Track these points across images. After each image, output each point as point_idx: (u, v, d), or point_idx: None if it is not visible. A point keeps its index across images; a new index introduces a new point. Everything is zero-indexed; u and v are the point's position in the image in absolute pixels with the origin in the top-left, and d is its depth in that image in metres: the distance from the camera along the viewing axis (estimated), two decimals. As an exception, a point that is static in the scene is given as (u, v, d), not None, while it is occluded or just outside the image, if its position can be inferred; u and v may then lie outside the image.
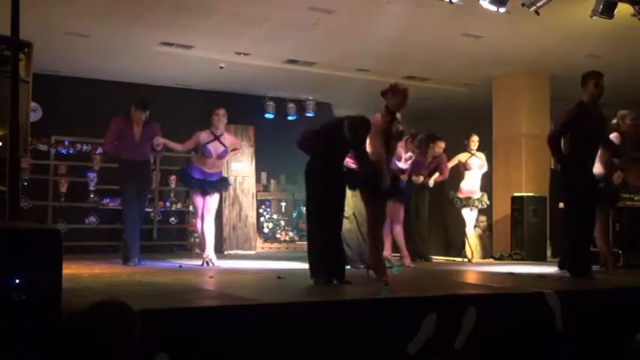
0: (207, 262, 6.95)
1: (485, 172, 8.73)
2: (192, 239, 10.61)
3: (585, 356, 4.18)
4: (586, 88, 5.71)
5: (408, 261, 7.33)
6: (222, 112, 7.17)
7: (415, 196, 8.13)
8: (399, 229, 7.32)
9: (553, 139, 5.75)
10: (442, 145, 8.50)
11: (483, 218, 9.50)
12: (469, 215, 8.48)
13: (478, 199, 8.48)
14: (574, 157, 5.67)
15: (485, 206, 8.67)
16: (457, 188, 8.55)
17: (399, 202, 7.19)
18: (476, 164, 8.52)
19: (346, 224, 6.23)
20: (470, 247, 8.48)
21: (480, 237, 9.44)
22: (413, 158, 7.07)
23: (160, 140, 7.04)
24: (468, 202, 8.44)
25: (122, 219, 7.32)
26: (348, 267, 6.34)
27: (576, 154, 5.67)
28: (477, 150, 8.65)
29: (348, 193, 5.71)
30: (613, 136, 6.52)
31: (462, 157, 8.62)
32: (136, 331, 2.55)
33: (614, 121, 6.67)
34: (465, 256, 8.48)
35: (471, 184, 8.52)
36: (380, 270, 5.36)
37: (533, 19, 6.65)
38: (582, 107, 5.69)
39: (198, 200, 7.11)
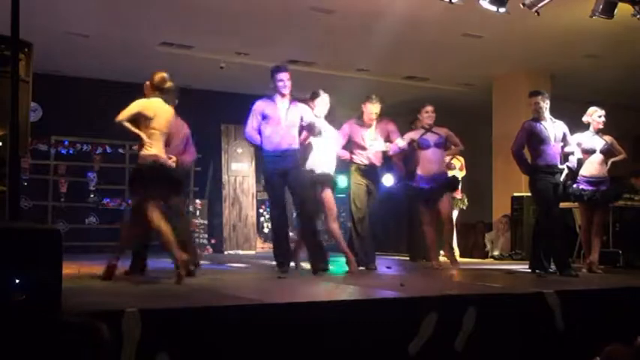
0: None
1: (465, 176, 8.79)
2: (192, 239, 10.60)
3: (585, 356, 4.18)
4: (529, 106, 6.27)
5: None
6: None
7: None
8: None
9: (517, 154, 6.22)
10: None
11: (504, 220, 9.53)
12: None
13: (460, 200, 8.63)
14: (537, 167, 6.10)
15: (465, 208, 8.75)
16: None
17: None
18: (457, 165, 8.67)
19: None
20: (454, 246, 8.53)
21: (500, 236, 9.45)
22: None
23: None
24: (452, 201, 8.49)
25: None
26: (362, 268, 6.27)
27: (538, 163, 6.08)
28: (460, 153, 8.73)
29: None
30: (581, 135, 6.53)
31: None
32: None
33: (584, 118, 6.63)
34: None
35: None
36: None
37: (533, 19, 6.64)
38: (537, 122, 6.15)
39: None
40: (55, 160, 9.65)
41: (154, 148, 4.90)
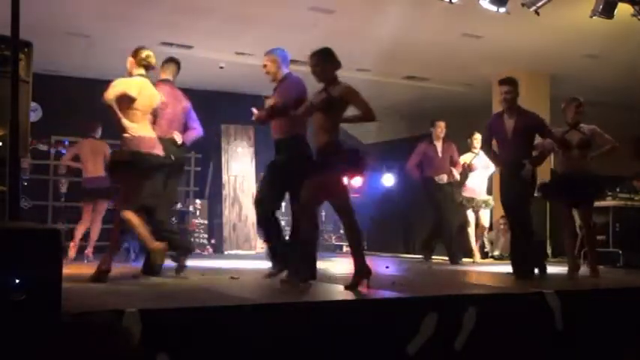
0: None
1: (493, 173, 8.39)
2: (192, 239, 10.61)
3: (585, 356, 4.18)
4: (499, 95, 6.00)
5: None
6: None
7: (437, 195, 8.09)
8: None
9: (483, 147, 6.36)
10: (442, 124, 8.27)
11: (504, 220, 9.49)
12: (472, 216, 8.40)
13: (484, 201, 8.41)
14: (505, 160, 5.83)
15: (489, 208, 8.60)
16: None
17: None
18: (480, 164, 8.31)
19: None
20: (473, 248, 8.42)
21: (500, 236, 9.43)
22: None
23: None
24: (471, 202, 8.36)
25: None
26: None
27: (505, 157, 5.84)
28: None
29: None
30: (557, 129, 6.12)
31: (467, 157, 8.44)
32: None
33: (562, 106, 6.16)
34: (471, 257, 8.39)
35: (473, 184, 8.41)
36: None
37: (533, 19, 6.65)
38: (498, 116, 6.00)
39: None
40: (55, 160, 9.64)
41: (139, 131, 4.82)
